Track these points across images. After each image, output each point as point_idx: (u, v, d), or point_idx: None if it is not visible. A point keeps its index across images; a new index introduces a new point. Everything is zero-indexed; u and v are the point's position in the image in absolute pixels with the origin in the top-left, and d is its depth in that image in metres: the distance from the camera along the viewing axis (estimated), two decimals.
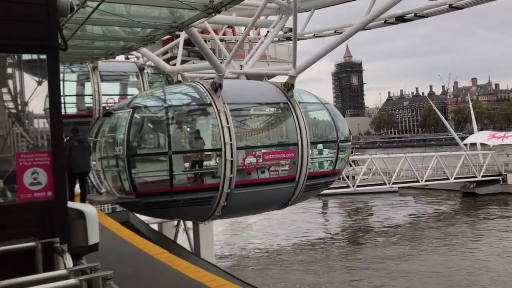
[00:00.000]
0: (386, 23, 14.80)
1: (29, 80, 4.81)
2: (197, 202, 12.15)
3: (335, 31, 17.06)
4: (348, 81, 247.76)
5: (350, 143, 15.50)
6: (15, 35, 4.09)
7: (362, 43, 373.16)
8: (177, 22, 9.54)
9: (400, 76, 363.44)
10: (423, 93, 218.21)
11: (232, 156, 11.91)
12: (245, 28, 23.06)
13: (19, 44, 4.18)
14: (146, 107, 12.66)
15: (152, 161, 12.60)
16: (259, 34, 22.53)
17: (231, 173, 11.90)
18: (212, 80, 12.52)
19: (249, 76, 15.12)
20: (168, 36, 14.27)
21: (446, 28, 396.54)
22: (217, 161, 12.55)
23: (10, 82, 5.32)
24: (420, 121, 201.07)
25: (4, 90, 5.40)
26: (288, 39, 18.59)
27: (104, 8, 7.85)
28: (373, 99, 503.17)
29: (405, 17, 14.26)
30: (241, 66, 14.97)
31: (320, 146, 14.59)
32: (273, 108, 14.46)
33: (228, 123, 12.02)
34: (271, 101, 13.98)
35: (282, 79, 14.43)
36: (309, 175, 13.25)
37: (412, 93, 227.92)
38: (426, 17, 14.00)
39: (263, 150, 13.28)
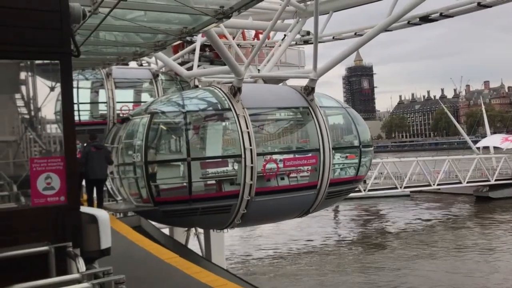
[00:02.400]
0: (410, 23, 14.17)
1: (42, 86, 4.86)
2: (216, 210, 11.83)
3: (355, 33, 16.64)
4: (359, 84, 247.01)
5: (372, 148, 15.05)
6: (28, 42, 4.14)
7: (372, 46, 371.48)
8: (188, 28, 9.59)
9: (411, 79, 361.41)
10: (434, 96, 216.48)
11: (252, 162, 11.57)
12: (254, 33, 23.16)
13: (33, 50, 4.23)
14: (164, 112, 12.39)
15: (170, 168, 12.32)
16: (268, 38, 22.56)
17: (251, 179, 11.56)
18: (230, 84, 12.24)
19: (267, 80, 14.85)
20: (178, 42, 14.32)
21: (458, 30, 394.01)
22: (235, 167, 12.25)
23: (23, 87, 5.38)
24: (432, 124, 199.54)
25: (17, 95, 5.46)
26: (306, 42, 18.29)
27: (115, 15, 7.93)
28: (384, 102, 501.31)
29: (429, 17, 13.60)
30: (258, 70, 14.63)
31: (341, 151, 14.16)
32: (294, 112, 14.09)
33: (247, 128, 11.70)
34: (291, 106, 13.61)
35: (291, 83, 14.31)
36: (331, 181, 12.82)
37: (424, 96, 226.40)
38: (452, 16, 13.31)
39: (284, 156, 12.92)
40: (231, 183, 12.13)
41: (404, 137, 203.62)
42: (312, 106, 12.92)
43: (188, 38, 16.90)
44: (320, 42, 16.91)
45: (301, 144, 14.18)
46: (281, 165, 12.56)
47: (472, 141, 56.90)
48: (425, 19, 13.73)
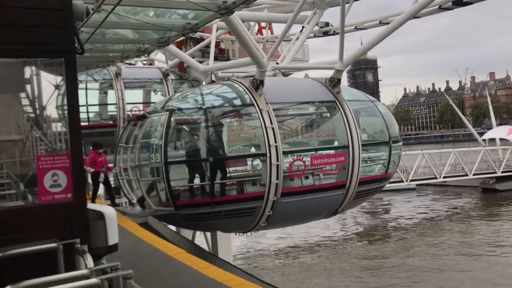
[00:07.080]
0: (441, 8, 13.18)
1: (47, 84, 4.89)
2: (241, 212, 11.19)
3: (380, 22, 15.86)
4: (363, 78, 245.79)
5: (401, 143, 14.07)
6: (33, 41, 4.16)
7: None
8: (191, 24, 9.61)
9: (416, 72, 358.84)
10: (439, 88, 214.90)
11: (278, 160, 10.80)
12: (257, 29, 23.07)
13: (37, 49, 4.24)
14: (182, 109, 11.77)
15: (191, 169, 11.66)
16: (272, 33, 22.51)
17: (277, 178, 10.80)
18: (252, 78, 11.47)
19: (284, 74, 14.28)
20: (182, 38, 14.28)
21: (462, 21, 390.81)
22: (254, 166, 11.78)
23: (28, 86, 5.41)
24: (437, 117, 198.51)
25: (23, 94, 5.49)
26: (326, 33, 17.75)
27: (118, 12, 7.95)
28: (389, 95, 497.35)
29: (464, 0, 12.54)
30: (277, 63, 13.95)
31: (371, 148, 13.40)
32: (319, 107, 13.30)
33: (272, 124, 10.92)
34: (317, 100, 12.85)
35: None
36: (360, 180, 12.05)
37: (429, 89, 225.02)
38: None
39: (311, 154, 12.16)
40: (255, 184, 11.43)
41: (409, 130, 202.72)
42: (339, 99, 12.12)
43: (197, 36, 16.74)
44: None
45: (329, 140, 13.45)
46: (308, 163, 11.79)
47: (478, 133, 56.61)
48: (459, 2, 12.70)
